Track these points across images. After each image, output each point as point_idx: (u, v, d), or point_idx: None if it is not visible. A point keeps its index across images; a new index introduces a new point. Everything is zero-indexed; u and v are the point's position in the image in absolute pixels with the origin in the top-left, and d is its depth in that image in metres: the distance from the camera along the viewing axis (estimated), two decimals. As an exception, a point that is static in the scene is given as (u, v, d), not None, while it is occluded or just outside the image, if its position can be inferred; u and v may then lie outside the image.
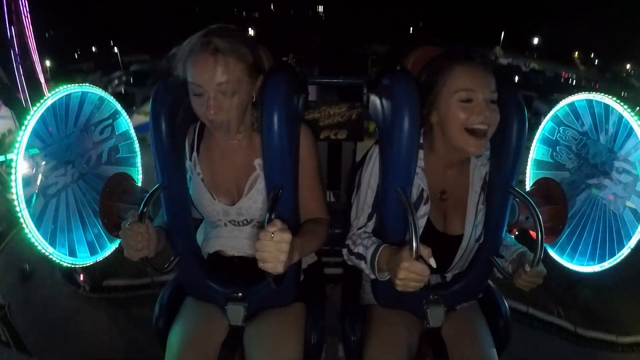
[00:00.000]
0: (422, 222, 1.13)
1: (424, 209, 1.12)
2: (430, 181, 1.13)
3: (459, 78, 1.01)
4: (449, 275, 1.26)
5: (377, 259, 1.05)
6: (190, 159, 1.19)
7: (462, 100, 1.01)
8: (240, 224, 1.22)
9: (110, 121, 1.39)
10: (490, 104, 1.01)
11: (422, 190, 1.11)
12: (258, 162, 1.16)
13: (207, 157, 1.19)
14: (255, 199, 1.17)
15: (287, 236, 0.91)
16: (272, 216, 0.94)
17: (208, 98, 1.01)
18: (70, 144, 1.23)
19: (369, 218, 1.17)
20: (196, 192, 1.19)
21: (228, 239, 1.24)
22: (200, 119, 1.09)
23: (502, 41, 32.66)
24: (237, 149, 1.18)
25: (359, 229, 1.18)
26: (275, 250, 0.90)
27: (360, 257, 1.10)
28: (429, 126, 1.11)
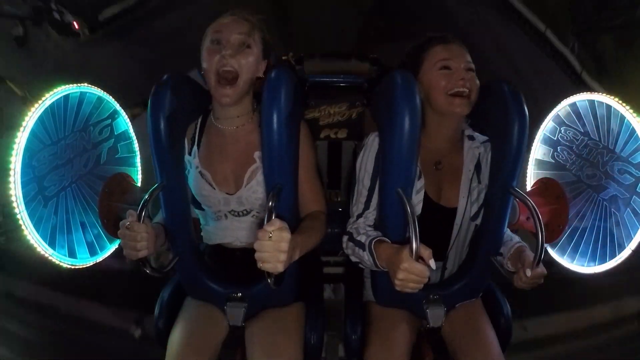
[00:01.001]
0: (420, 197, 1.16)
1: (419, 184, 1.16)
2: (423, 155, 1.16)
3: (438, 52, 1.14)
4: (449, 266, 1.26)
5: (374, 248, 1.06)
6: (190, 153, 1.20)
7: (441, 68, 1.12)
8: (240, 214, 1.23)
9: (109, 121, 1.38)
10: (468, 71, 1.12)
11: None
12: (258, 154, 1.17)
13: (207, 148, 1.20)
14: (254, 190, 1.18)
15: (286, 235, 0.91)
16: (272, 215, 0.93)
17: (224, 44, 1.08)
18: (68, 144, 1.23)
19: (366, 204, 1.18)
20: (195, 184, 1.20)
21: (229, 230, 1.26)
22: (208, 77, 1.10)
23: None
24: (236, 138, 1.19)
25: (358, 216, 1.19)
26: (274, 250, 0.90)
27: (362, 245, 1.11)
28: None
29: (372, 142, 1.17)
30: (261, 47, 1.15)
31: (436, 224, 1.19)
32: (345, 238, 1.19)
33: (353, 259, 1.18)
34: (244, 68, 1.10)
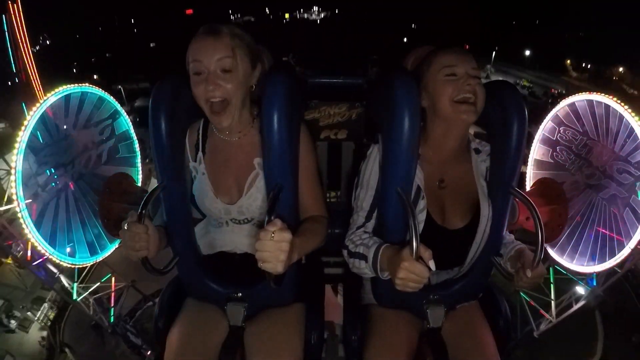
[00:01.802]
0: (422, 217, 1.13)
1: (422, 203, 1.13)
2: (426, 171, 1.14)
3: (442, 57, 1.11)
4: (451, 273, 1.26)
5: (379, 258, 1.04)
6: (195, 160, 1.19)
7: (447, 75, 1.09)
8: (241, 222, 1.22)
9: (110, 121, 1.39)
10: (474, 78, 1.08)
11: (418, 185, 1.12)
12: (257, 160, 1.16)
13: (211, 156, 1.20)
14: (255, 198, 1.17)
15: (287, 235, 0.90)
16: (272, 216, 0.93)
17: (207, 75, 1.03)
18: (70, 144, 1.23)
19: (367, 217, 1.17)
20: (200, 191, 1.19)
21: (230, 236, 1.25)
22: (199, 103, 1.07)
23: (493, 59, 31.89)
24: (238, 147, 1.18)
25: (357, 227, 1.18)
26: (275, 250, 0.90)
27: (362, 257, 1.10)
28: (423, 114, 1.13)
29: (375, 157, 1.14)
30: (247, 60, 1.09)
31: (440, 245, 1.09)
32: (345, 252, 1.18)
33: (355, 270, 1.16)
34: (232, 93, 1.06)
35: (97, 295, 5.78)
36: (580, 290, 4.69)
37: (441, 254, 1.13)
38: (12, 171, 1.03)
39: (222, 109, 1.06)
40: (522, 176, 1.49)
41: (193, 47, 1.04)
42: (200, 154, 1.18)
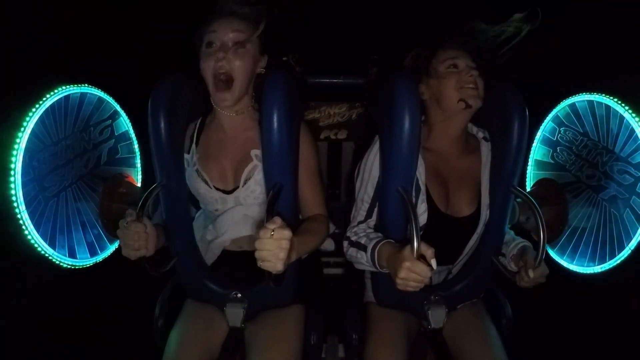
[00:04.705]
0: (422, 208, 1.13)
1: (421, 197, 1.14)
2: (429, 161, 1.15)
3: (445, 51, 1.16)
4: (454, 271, 1.25)
5: (377, 251, 1.05)
6: (189, 152, 1.20)
7: (449, 66, 1.13)
8: None
9: (109, 122, 1.39)
10: (474, 70, 1.13)
11: (417, 179, 1.13)
12: (255, 152, 1.16)
13: (205, 146, 1.20)
14: (252, 189, 1.17)
15: (287, 233, 0.90)
16: (272, 214, 0.93)
17: (218, 46, 1.07)
18: (69, 145, 1.23)
19: (369, 213, 1.17)
20: (192, 182, 1.19)
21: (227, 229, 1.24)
22: (206, 79, 1.09)
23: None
24: (233, 135, 1.18)
25: (359, 222, 1.18)
26: (275, 248, 0.89)
27: (362, 247, 1.10)
28: (424, 106, 1.17)
29: (377, 151, 1.14)
30: (258, 43, 1.12)
31: (444, 234, 1.15)
32: (345, 243, 1.18)
33: (357, 265, 1.16)
34: (239, 70, 1.08)
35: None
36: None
37: (444, 243, 1.12)
38: (12, 172, 1.03)
39: (226, 84, 1.08)
40: (523, 176, 1.48)
41: (210, 21, 1.09)
42: (193, 145, 1.19)
